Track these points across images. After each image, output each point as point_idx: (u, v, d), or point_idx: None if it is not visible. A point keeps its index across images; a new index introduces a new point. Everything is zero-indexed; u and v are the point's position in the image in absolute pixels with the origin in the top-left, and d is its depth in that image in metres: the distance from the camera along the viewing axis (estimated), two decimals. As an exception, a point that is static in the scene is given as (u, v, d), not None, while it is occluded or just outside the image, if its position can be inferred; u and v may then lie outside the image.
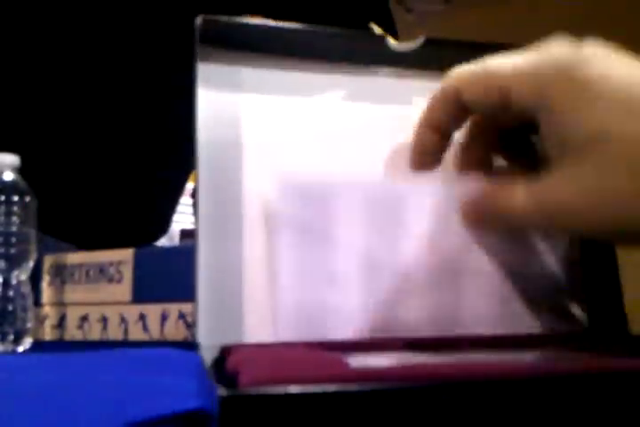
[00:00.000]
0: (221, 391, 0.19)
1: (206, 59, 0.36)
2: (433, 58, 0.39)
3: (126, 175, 1.04)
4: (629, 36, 0.39)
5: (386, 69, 0.39)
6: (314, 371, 0.23)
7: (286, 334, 0.33)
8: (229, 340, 0.32)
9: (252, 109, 0.36)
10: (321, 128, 0.38)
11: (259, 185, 0.35)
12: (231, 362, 0.25)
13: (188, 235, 1.23)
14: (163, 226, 1.16)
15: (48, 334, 0.72)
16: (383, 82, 0.38)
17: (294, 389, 0.20)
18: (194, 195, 1.21)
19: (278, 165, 0.36)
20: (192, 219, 1.30)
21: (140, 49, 1.01)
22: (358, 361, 0.27)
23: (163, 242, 1.21)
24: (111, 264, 0.69)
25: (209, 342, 0.31)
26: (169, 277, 0.65)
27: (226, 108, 0.36)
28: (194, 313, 0.32)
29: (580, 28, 0.39)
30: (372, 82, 0.38)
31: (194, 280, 0.32)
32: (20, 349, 0.63)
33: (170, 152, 1.10)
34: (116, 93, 1.01)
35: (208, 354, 0.28)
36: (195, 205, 0.35)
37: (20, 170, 0.65)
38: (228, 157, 0.35)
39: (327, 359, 0.26)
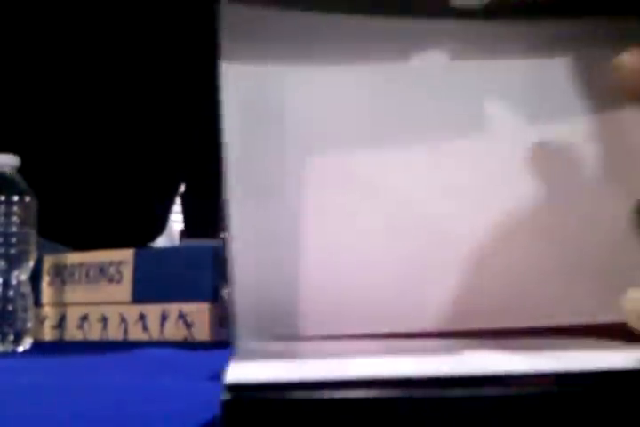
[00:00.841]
0: (225, 396, 0.19)
1: (230, 53, 0.32)
2: (499, 16, 0.35)
3: (122, 177, 1.04)
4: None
5: (446, 27, 0.35)
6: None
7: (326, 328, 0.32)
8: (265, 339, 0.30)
9: (288, 100, 0.33)
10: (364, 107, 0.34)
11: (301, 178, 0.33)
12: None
13: (187, 235, 1.23)
14: (158, 227, 1.16)
15: (48, 334, 0.72)
16: (444, 43, 0.35)
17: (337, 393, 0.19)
18: (184, 197, 1.20)
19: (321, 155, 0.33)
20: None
21: (141, 47, 1.01)
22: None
23: (163, 242, 1.21)
24: (111, 264, 0.69)
25: (244, 342, 0.30)
26: (169, 277, 0.65)
27: (253, 99, 0.33)
28: (230, 311, 0.31)
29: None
30: (433, 43, 0.35)
31: (229, 277, 0.31)
32: (20, 349, 0.63)
33: (167, 152, 1.10)
34: (115, 94, 1.01)
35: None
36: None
37: (20, 170, 0.65)
38: (260, 146, 0.32)
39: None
